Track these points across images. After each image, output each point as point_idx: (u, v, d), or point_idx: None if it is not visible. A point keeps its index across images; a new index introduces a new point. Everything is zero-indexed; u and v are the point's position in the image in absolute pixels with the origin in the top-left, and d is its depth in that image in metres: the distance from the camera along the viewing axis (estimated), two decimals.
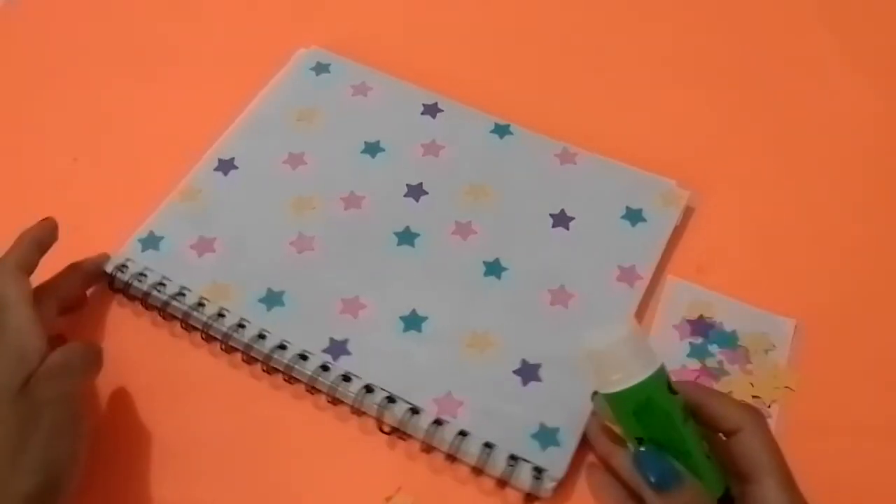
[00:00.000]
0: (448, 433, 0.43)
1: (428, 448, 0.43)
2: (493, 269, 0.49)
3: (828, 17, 0.62)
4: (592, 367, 0.37)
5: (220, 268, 0.49)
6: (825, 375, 0.46)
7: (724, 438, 0.38)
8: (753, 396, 0.45)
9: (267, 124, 0.56)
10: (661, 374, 0.36)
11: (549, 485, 0.41)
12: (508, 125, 0.55)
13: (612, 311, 0.47)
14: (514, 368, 0.45)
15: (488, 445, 0.42)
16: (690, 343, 0.47)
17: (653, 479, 0.35)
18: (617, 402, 0.37)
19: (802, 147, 0.56)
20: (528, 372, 0.45)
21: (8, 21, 0.64)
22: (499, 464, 0.42)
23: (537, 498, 0.42)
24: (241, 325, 0.47)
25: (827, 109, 0.58)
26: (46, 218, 0.45)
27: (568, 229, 0.51)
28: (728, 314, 0.48)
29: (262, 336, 0.46)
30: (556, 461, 0.42)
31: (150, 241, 0.50)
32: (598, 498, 0.41)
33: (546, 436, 0.43)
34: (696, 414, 0.37)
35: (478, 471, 0.43)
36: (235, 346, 0.46)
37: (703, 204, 0.53)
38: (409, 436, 0.44)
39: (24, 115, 0.58)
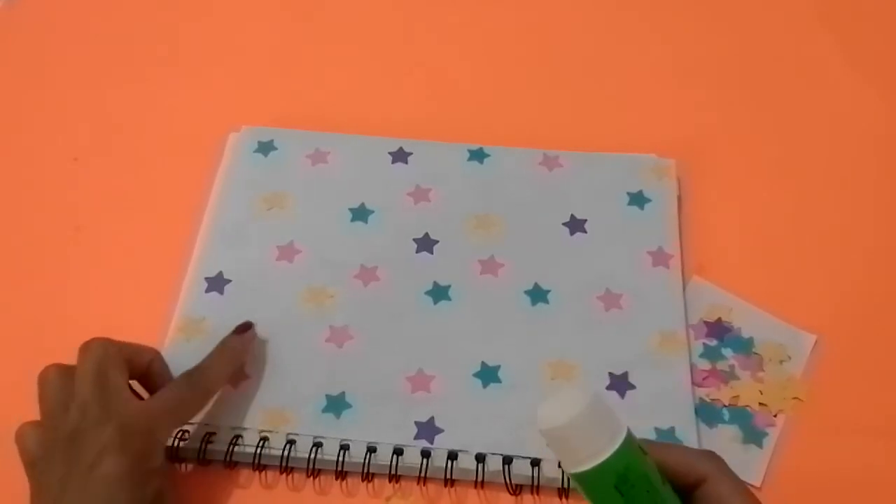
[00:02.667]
0: None
1: (564, 492, 0.42)
2: (538, 295, 0.48)
3: (827, 16, 0.63)
4: (556, 446, 0.31)
5: (263, 394, 0.45)
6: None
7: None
8: (760, 403, 0.45)
9: (238, 224, 0.51)
10: (630, 436, 0.31)
11: None
12: (482, 147, 0.54)
13: (664, 296, 0.48)
14: (605, 385, 0.45)
15: None
16: (704, 344, 0.47)
17: None
18: (595, 479, 0.30)
19: (804, 147, 0.56)
20: (619, 384, 0.45)
21: (8, 21, 0.63)
22: None
23: None
24: (317, 445, 0.43)
25: (832, 112, 0.58)
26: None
27: (586, 232, 0.50)
28: (748, 321, 0.48)
29: (344, 447, 0.43)
30: None
31: None
32: None
33: (666, 438, 0.43)
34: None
35: None
36: (321, 467, 0.43)
37: (702, 205, 0.53)
38: (540, 488, 0.42)
39: (24, 115, 0.58)
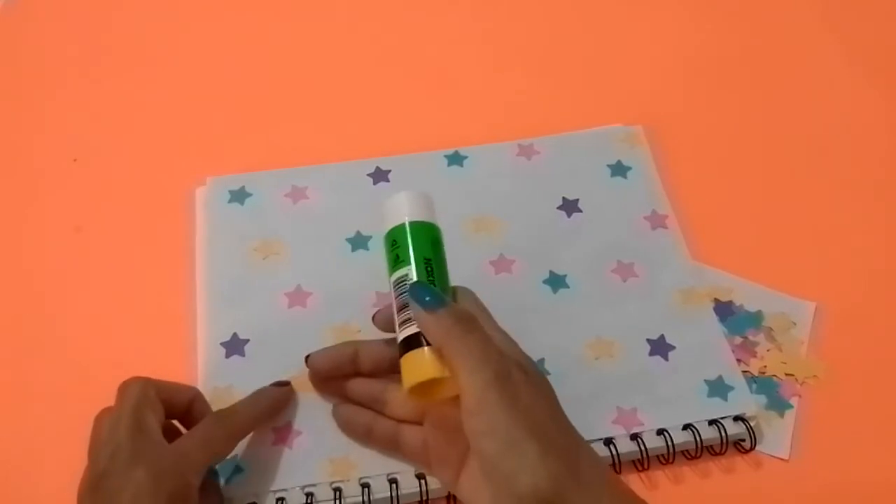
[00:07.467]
0: (650, 440, 0.43)
1: (642, 464, 0.43)
2: (556, 281, 0.49)
3: (829, 16, 0.63)
4: (416, 203, 0.41)
5: (323, 446, 0.43)
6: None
7: None
8: (787, 374, 0.46)
9: (236, 281, 0.49)
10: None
11: (753, 423, 0.44)
12: (457, 150, 0.54)
13: (670, 256, 0.50)
14: (647, 352, 0.46)
15: (686, 427, 0.44)
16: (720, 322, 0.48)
17: (427, 299, 0.38)
18: (424, 230, 0.41)
19: (802, 144, 0.57)
20: (659, 348, 0.46)
21: (8, 21, 0.64)
22: (709, 436, 0.43)
23: (744, 441, 0.44)
24: (393, 481, 0.42)
25: (833, 105, 0.59)
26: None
27: (581, 211, 0.52)
28: (749, 297, 0.49)
29: (420, 477, 0.42)
30: (745, 402, 0.44)
31: (229, 468, 0.42)
32: (348, 428, 0.43)
33: (719, 388, 0.45)
34: None
35: (690, 455, 0.44)
36: (406, 502, 0.42)
37: (703, 204, 0.53)
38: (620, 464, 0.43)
39: (24, 115, 0.58)
